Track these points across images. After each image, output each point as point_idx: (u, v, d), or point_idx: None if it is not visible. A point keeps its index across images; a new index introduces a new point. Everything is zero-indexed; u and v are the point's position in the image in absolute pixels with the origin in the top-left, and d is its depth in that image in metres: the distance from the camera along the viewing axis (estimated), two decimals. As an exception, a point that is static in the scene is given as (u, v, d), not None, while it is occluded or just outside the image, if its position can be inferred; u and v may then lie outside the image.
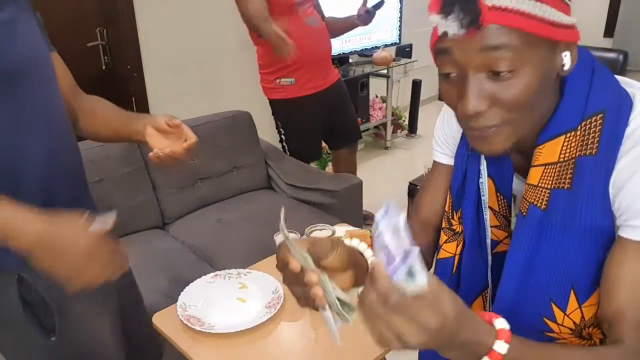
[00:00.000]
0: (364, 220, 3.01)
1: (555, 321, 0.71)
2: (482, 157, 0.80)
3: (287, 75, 2.45)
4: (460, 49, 0.61)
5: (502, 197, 0.81)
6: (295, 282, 0.67)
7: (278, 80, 2.48)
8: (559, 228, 0.69)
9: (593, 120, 0.67)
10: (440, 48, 0.63)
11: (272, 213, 2.38)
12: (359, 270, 0.70)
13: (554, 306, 0.71)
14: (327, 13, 2.89)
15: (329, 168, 3.84)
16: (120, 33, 2.99)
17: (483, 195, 0.81)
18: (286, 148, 2.71)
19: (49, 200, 0.94)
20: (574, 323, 0.71)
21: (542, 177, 0.70)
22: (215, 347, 1.25)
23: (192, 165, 2.40)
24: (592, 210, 0.66)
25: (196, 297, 1.40)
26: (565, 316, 0.71)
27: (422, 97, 4.40)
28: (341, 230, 1.67)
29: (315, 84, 2.53)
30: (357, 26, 2.83)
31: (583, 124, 0.67)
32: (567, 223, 0.68)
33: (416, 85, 4.17)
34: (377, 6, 2.72)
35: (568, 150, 0.68)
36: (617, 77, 0.71)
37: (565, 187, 0.68)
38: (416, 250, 0.53)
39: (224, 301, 1.40)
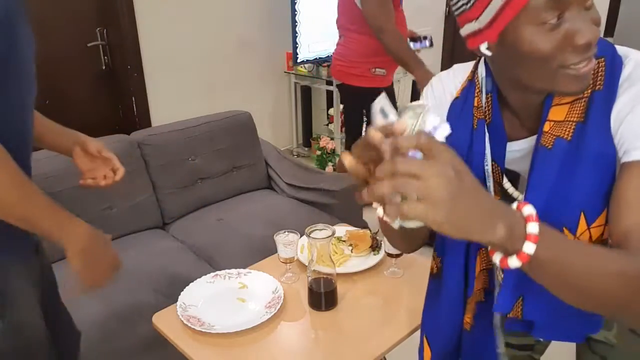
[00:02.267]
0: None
1: None
2: (487, 136, 0.87)
3: (382, 66, 2.66)
4: None
5: (496, 165, 0.88)
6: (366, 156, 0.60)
7: (374, 70, 2.66)
8: (579, 158, 0.77)
9: (598, 62, 0.78)
10: None
11: (272, 213, 2.40)
12: None
13: (565, 230, 0.79)
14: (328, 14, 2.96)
15: (329, 168, 3.84)
16: (120, 33, 2.99)
17: (486, 164, 0.88)
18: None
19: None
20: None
21: (569, 113, 0.79)
22: (215, 347, 1.25)
23: (192, 165, 2.41)
24: (599, 139, 0.75)
25: (196, 297, 1.40)
26: (575, 238, 0.79)
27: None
28: (341, 230, 1.67)
29: (391, 77, 2.78)
30: None
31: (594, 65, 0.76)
32: (581, 152, 0.77)
33: (416, 85, 4.17)
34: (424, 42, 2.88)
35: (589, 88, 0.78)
36: None
37: (582, 121, 0.77)
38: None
39: (224, 301, 1.40)
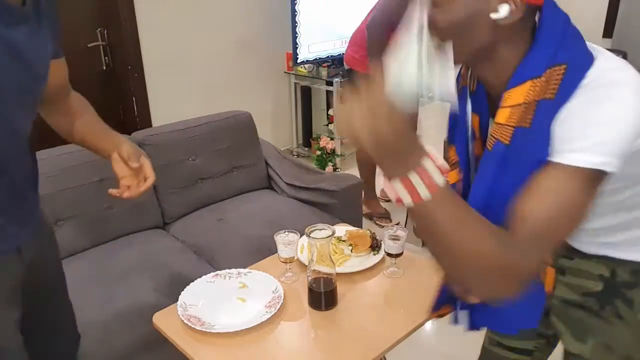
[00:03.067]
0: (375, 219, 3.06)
1: None
2: (468, 96, 0.92)
3: None
4: None
5: (478, 133, 0.93)
6: None
7: None
8: (516, 161, 0.78)
9: (556, 70, 0.76)
10: None
11: (272, 213, 2.40)
12: None
13: None
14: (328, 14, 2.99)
15: (329, 168, 3.84)
16: (120, 33, 2.99)
17: (468, 129, 0.94)
18: None
19: None
20: None
21: (509, 117, 0.79)
22: (215, 347, 1.25)
23: (193, 165, 2.41)
24: (541, 146, 0.76)
25: (196, 296, 1.40)
26: None
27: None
28: (341, 230, 1.68)
29: None
30: None
31: (548, 71, 0.76)
32: (522, 157, 0.78)
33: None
34: None
35: (533, 94, 0.77)
36: (587, 42, 0.81)
37: (526, 125, 0.77)
38: None
39: (224, 301, 1.40)
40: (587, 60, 0.77)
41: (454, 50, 0.78)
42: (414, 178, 0.69)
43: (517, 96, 0.78)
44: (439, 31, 0.77)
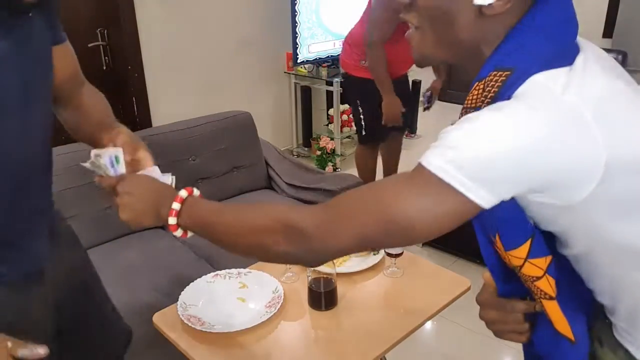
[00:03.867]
0: None
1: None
2: None
3: None
4: None
5: None
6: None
7: (363, 62, 2.78)
8: None
9: (499, 75, 0.65)
10: None
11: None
12: None
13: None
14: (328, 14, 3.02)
15: (329, 168, 3.84)
16: (120, 34, 2.99)
17: None
18: (363, 127, 2.98)
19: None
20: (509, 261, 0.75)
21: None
22: (215, 347, 1.25)
23: (192, 165, 2.41)
24: None
25: (196, 296, 1.40)
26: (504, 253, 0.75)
27: (421, 98, 4.41)
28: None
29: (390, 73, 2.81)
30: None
31: (491, 74, 0.66)
32: None
33: (415, 86, 4.18)
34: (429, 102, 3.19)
35: (473, 99, 0.69)
36: (581, 40, 0.68)
37: None
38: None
39: (224, 301, 1.40)
40: (542, 66, 0.62)
41: (435, 40, 0.71)
42: (172, 221, 0.88)
43: (468, 98, 0.70)
44: (418, 11, 0.71)
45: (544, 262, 0.70)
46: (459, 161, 0.60)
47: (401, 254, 1.50)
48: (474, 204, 0.61)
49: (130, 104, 3.09)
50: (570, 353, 0.75)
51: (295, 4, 3.58)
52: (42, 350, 0.87)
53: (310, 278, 1.36)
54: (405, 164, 3.49)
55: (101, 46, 3.03)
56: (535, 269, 0.70)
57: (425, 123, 4.45)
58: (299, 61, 3.76)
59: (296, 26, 3.65)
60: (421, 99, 3.18)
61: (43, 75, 1.00)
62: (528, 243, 0.69)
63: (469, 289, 1.44)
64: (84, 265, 1.28)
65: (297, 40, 3.69)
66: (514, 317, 0.78)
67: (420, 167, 0.65)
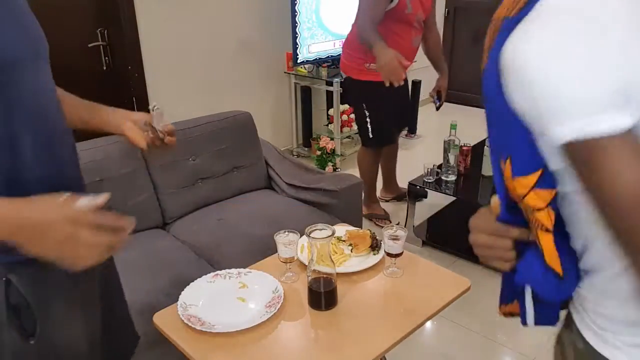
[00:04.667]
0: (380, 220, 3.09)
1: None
2: None
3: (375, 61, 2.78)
4: None
5: None
6: None
7: (368, 65, 2.75)
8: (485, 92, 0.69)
9: None
10: None
11: (272, 213, 2.40)
12: None
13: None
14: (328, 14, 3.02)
15: (329, 168, 3.84)
16: (120, 34, 2.99)
17: None
18: (370, 130, 2.94)
19: (44, 188, 0.93)
20: (512, 188, 0.72)
21: (488, 38, 0.67)
22: (215, 347, 1.25)
23: (192, 165, 2.41)
24: (493, 76, 0.64)
25: (197, 296, 1.40)
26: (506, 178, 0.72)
27: (421, 98, 4.41)
28: (341, 230, 1.68)
29: None
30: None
31: None
32: (487, 87, 0.68)
33: (415, 86, 4.18)
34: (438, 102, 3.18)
35: (502, 8, 0.66)
36: None
37: (492, 47, 0.66)
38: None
39: (224, 301, 1.40)
40: None
41: None
42: None
43: (501, 8, 0.67)
44: None
45: (549, 194, 0.68)
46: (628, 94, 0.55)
47: (401, 253, 1.50)
48: None
49: (130, 104, 3.09)
50: (556, 288, 0.75)
51: (295, 4, 3.58)
52: (102, 199, 0.85)
53: (310, 278, 1.36)
54: (405, 164, 3.50)
55: (101, 46, 3.03)
56: (538, 200, 0.69)
57: (425, 123, 4.46)
58: (299, 61, 3.76)
59: (296, 26, 3.65)
60: (431, 100, 3.17)
61: (42, 35, 1.01)
62: (539, 172, 0.67)
63: (469, 289, 1.44)
64: (112, 264, 1.29)
65: (297, 41, 3.69)
66: (503, 243, 0.77)
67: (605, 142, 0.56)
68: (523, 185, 0.68)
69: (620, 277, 0.68)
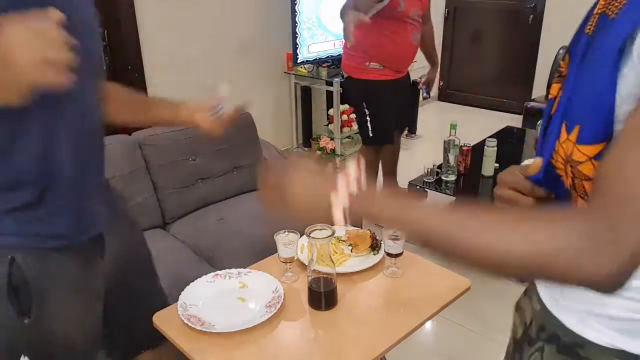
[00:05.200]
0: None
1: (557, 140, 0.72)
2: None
3: (376, 60, 2.80)
4: None
5: None
6: None
7: (368, 63, 2.80)
8: (585, 56, 0.68)
9: None
10: None
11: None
12: None
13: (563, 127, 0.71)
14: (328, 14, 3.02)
15: (329, 168, 3.84)
16: (121, 34, 2.99)
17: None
18: (370, 129, 2.96)
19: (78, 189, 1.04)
20: (565, 152, 0.71)
21: (603, 5, 0.66)
22: (215, 347, 1.25)
23: (192, 165, 2.41)
24: (612, 44, 0.61)
25: (197, 296, 1.40)
26: (559, 143, 0.71)
27: (421, 98, 4.41)
28: (341, 230, 1.68)
29: (395, 73, 2.88)
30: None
31: None
32: (591, 52, 0.66)
33: (415, 86, 4.18)
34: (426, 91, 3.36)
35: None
36: None
37: (610, 15, 0.64)
38: None
39: (224, 301, 1.40)
40: None
41: None
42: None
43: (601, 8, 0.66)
44: None
45: None
46: None
47: (401, 253, 1.50)
48: None
49: (130, 104, 3.09)
50: None
51: (295, 4, 3.58)
52: (52, 13, 0.74)
53: (310, 278, 1.36)
54: (405, 164, 3.49)
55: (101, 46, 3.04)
56: (593, 170, 0.67)
57: (425, 123, 4.46)
58: (299, 61, 3.76)
59: (296, 26, 3.65)
60: (422, 94, 3.19)
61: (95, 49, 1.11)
62: (603, 145, 0.65)
63: (469, 289, 1.44)
64: (137, 248, 1.37)
65: (297, 41, 3.69)
66: (526, 200, 0.78)
67: None
68: (583, 153, 0.68)
69: None
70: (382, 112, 2.92)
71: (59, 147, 0.97)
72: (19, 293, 0.99)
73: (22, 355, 1.03)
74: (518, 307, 0.90)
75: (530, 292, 0.85)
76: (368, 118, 2.94)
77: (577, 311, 0.74)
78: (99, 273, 1.15)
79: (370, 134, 2.98)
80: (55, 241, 1.02)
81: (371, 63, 2.79)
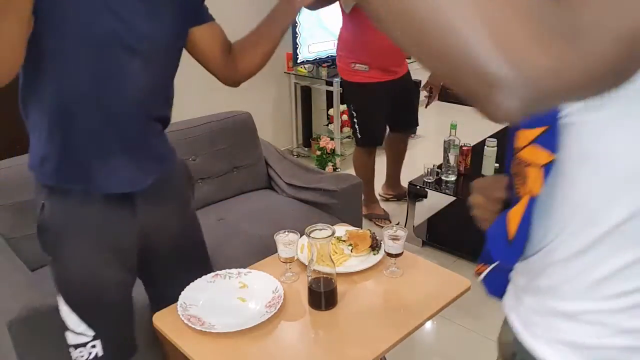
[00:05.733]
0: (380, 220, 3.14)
1: None
2: None
3: (362, 62, 2.80)
4: None
5: None
6: None
7: (353, 65, 2.81)
8: None
9: None
10: None
11: (272, 213, 2.40)
12: None
13: None
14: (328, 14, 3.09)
15: (329, 168, 3.85)
16: (120, 33, 2.99)
17: None
18: (357, 130, 2.98)
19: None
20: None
21: None
22: (215, 347, 1.25)
23: (192, 165, 2.41)
24: None
25: (197, 296, 1.40)
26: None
27: (421, 98, 4.41)
28: (341, 230, 1.68)
29: (385, 74, 2.84)
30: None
31: None
32: None
33: (416, 86, 4.18)
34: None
35: None
36: None
37: None
38: None
39: (224, 301, 1.40)
40: None
41: None
42: None
43: None
44: None
45: (546, 156, 0.66)
46: None
47: (401, 253, 1.50)
48: None
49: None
50: (504, 250, 0.75)
51: (295, 4, 3.58)
52: None
53: (310, 278, 1.36)
54: (405, 164, 3.49)
55: (101, 46, 3.03)
56: (533, 156, 0.67)
57: (425, 123, 4.45)
58: (299, 61, 3.76)
59: (296, 26, 3.65)
60: (422, 97, 3.19)
61: (140, 43, 1.28)
62: (543, 128, 0.65)
63: (469, 289, 1.44)
64: (182, 219, 1.51)
65: (297, 40, 3.69)
66: (494, 206, 0.81)
67: None
68: (525, 137, 0.68)
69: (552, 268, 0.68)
70: (367, 114, 2.94)
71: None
72: (44, 234, 1.21)
73: (57, 294, 1.26)
74: (499, 341, 0.91)
75: (506, 322, 0.84)
76: (355, 120, 2.97)
77: (545, 339, 0.72)
78: (125, 230, 1.27)
79: (359, 135, 3.01)
80: (77, 185, 1.18)
81: (357, 64, 2.80)
